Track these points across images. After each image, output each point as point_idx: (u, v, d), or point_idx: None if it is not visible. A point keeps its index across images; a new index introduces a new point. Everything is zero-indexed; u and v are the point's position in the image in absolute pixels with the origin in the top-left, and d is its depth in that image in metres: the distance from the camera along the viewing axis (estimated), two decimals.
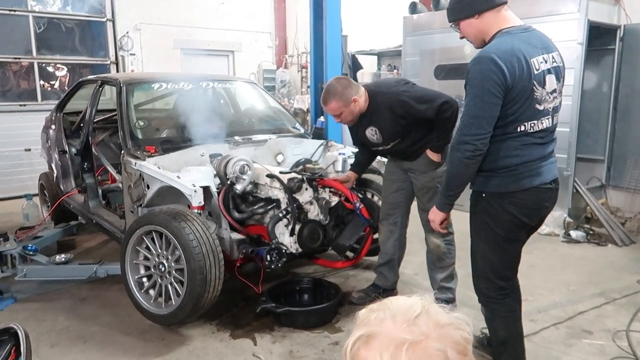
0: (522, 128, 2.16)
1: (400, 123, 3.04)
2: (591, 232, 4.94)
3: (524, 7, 5.26)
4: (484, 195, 2.26)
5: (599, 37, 5.20)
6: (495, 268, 2.34)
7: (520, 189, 2.21)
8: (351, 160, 3.94)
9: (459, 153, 2.16)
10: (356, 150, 3.69)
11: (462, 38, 2.36)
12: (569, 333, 3.12)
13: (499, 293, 2.37)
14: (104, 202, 4.48)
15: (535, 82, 2.13)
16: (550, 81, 2.19)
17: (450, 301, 3.26)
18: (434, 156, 3.10)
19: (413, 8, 6.59)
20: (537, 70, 2.13)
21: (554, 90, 2.21)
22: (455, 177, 2.25)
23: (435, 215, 2.41)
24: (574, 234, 4.88)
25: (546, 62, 2.17)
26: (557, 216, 5.05)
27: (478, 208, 2.31)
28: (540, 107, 2.17)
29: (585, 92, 5.15)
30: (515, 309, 2.45)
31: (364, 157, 3.58)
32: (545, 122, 2.20)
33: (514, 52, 2.10)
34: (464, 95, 2.18)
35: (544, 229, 5.07)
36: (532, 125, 2.17)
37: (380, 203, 3.92)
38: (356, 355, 0.81)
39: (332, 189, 3.57)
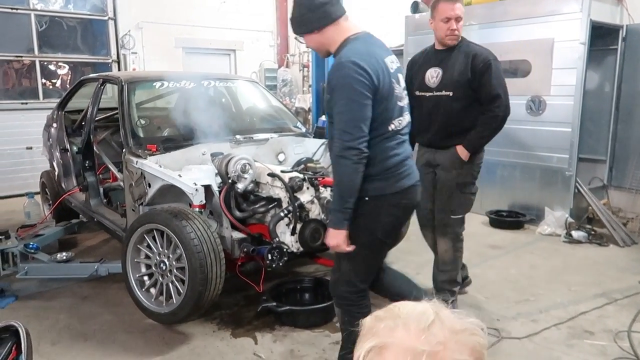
0: (393, 127, 2.21)
1: (466, 76, 3.03)
2: (593, 232, 4.92)
3: (526, 7, 5.27)
4: (366, 199, 2.22)
5: (602, 37, 5.19)
6: (361, 271, 2.36)
7: (401, 189, 2.25)
8: None
9: (346, 160, 2.09)
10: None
11: (308, 47, 2.38)
12: (570, 333, 3.11)
13: (359, 295, 2.37)
14: (105, 200, 4.48)
15: (393, 80, 2.20)
16: (401, 79, 2.29)
17: (449, 300, 3.26)
18: (463, 153, 3.08)
19: (415, 7, 6.57)
20: (391, 69, 2.22)
21: (404, 88, 2.30)
22: (347, 187, 2.14)
23: (337, 237, 2.19)
24: (575, 234, 4.86)
25: (393, 62, 2.26)
26: (558, 216, 5.03)
27: (358, 212, 2.22)
28: (401, 104, 2.26)
29: (587, 92, 5.14)
30: (369, 306, 2.41)
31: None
32: (406, 118, 2.30)
33: (369, 53, 2.15)
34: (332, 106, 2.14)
35: (545, 229, 5.06)
36: (400, 121, 2.25)
37: None
38: None
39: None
